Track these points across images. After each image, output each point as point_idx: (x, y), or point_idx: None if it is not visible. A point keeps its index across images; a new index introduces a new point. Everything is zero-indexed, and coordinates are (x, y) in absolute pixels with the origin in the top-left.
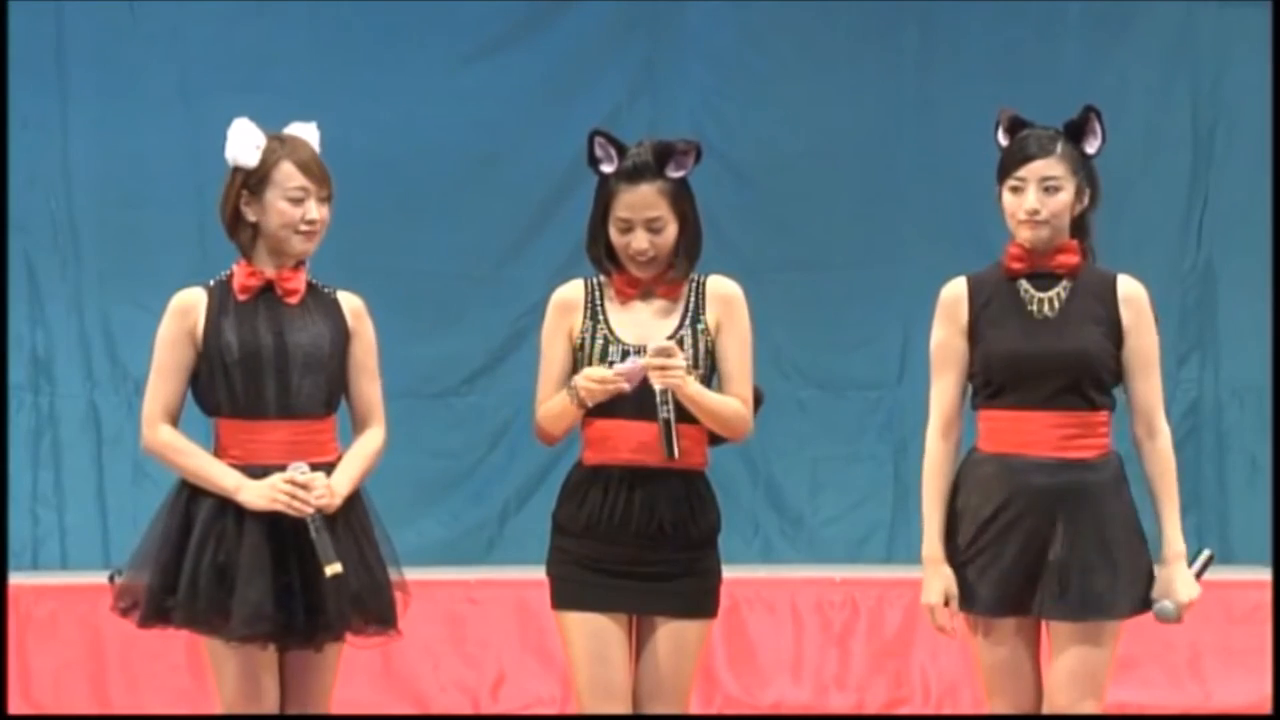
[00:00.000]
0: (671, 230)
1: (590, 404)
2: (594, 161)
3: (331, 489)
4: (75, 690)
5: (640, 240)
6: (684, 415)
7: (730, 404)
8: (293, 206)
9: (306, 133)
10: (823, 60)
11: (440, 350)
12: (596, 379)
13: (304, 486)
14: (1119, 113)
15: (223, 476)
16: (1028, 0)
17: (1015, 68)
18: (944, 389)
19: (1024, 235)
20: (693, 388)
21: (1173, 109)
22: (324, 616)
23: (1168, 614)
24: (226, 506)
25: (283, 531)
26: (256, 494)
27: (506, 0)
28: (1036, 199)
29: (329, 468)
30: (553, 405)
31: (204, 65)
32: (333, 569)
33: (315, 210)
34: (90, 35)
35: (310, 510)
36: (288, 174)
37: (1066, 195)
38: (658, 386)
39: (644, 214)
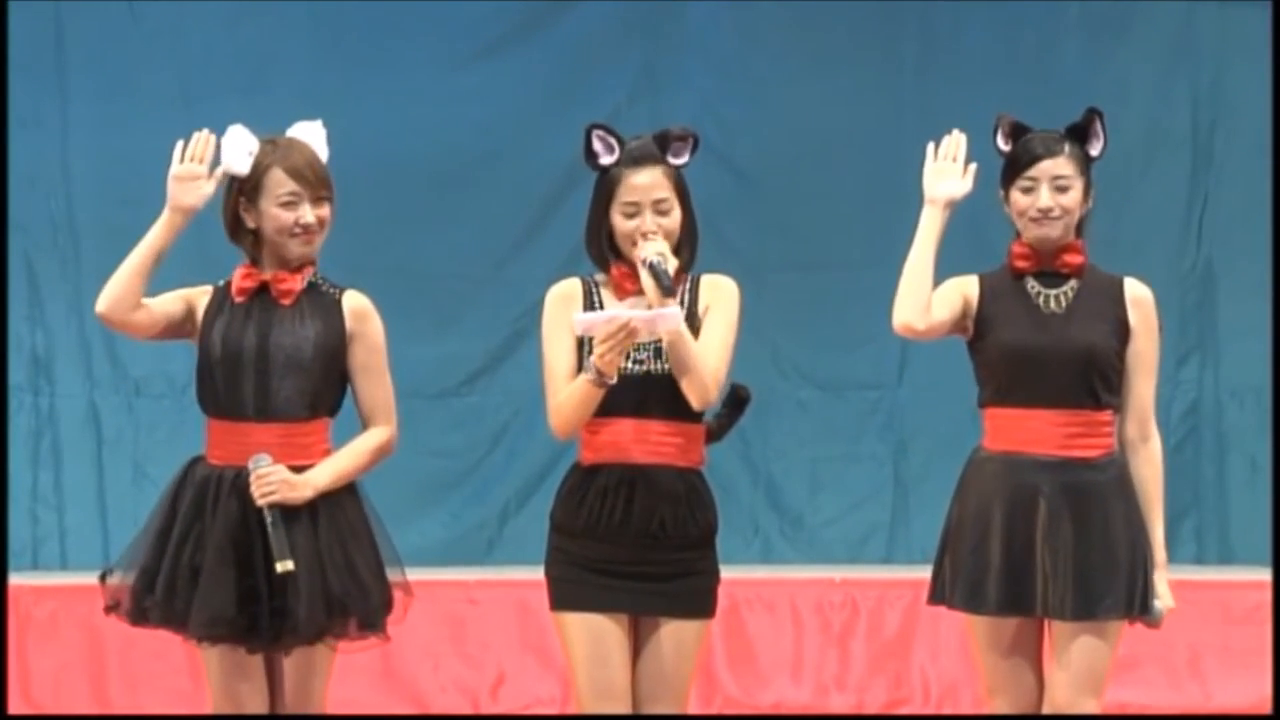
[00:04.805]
0: (677, 215)
1: (613, 374)
2: (592, 156)
3: (289, 481)
4: (75, 690)
5: (649, 223)
6: (680, 412)
7: (702, 356)
8: (286, 212)
9: (311, 132)
10: (823, 61)
11: (440, 350)
12: (604, 343)
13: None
14: (1119, 113)
15: (156, 224)
16: (1028, 1)
17: (1015, 68)
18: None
19: (1034, 234)
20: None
21: (1173, 109)
22: (290, 620)
23: (1157, 615)
24: (204, 507)
25: (250, 533)
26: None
27: (506, 0)
28: (1050, 197)
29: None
30: (570, 395)
31: (204, 66)
32: (284, 565)
33: (309, 214)
34: (90, 35)
35: (267, 491)
36: (278, 180)
37: (1076, 194)
38: (653, 259)
39: (652, 195)
